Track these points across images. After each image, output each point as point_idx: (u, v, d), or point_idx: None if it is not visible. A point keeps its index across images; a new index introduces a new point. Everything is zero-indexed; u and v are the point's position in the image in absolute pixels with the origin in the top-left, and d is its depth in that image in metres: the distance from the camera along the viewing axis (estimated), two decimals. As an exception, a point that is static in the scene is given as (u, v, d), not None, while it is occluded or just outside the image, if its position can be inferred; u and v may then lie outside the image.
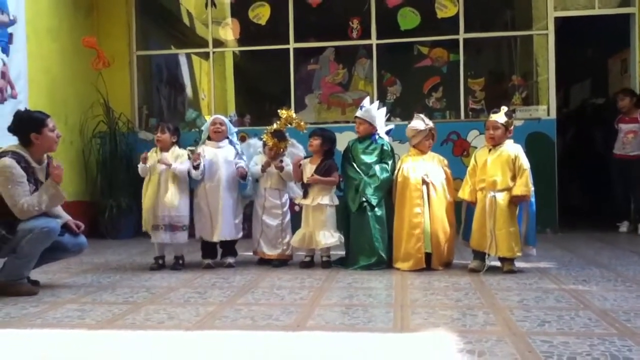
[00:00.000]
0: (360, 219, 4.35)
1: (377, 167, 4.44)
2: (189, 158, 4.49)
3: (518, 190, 4.00)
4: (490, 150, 4.20)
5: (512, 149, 4.14)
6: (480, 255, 4.15)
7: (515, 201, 4.03)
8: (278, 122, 4.55)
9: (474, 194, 4.19)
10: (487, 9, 7.77)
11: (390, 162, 4.49)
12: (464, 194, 4.24)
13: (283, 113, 4.54)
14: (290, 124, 4.54)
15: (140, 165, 4.46)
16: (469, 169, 4.31)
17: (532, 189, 4.07)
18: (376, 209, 4.35)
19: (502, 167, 4.08)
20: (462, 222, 4.33)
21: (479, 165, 4.21)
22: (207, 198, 4.47)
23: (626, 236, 6.20)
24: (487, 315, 2.91)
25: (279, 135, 4.50)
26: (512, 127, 4.22)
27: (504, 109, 4.27)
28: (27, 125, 3.62)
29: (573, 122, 8.64)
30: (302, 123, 4.60)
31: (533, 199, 4.11)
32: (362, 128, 4.54)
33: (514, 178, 4.07)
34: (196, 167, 4.40)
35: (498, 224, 4.01)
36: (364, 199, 4.34)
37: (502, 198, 4.03)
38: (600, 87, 8.52)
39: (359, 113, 4.57)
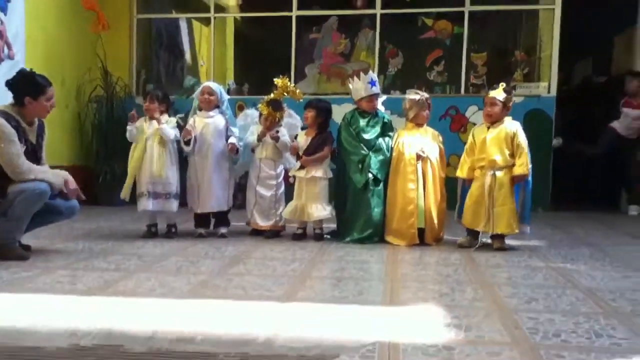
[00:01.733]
0: (361, 194, 4.33)
1: (381, 142, 4.40)
2: (178, 126, 4.45)
3: (519, 170, 4.00)
4: (488, 127, 4.16)
5: (511, 126, 4.11)
6: (472, 233, 4.17)
7: (515, 180, 4.03)
8: (274, 92, 4.51)
9: (472, 172, 4.18)
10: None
11: (392, 136, 4.46)
12: (462, 172, 4.22)
13: (278, 82, 4.49)
14: (287, 94, 4.50)
15: (129, 127, 4.40)
16: (466, 147, 4.28)
17: (530, 167, 4.06)
18: (379, 184, 4.34)
19: (500, 146, 4.06)
20: (458, 201, 4.33)
21: (477, 143, 4.18)
22: (196, 169, 4.46)
23: (616, 217, 6.22)
24: (476, 291, 2.94)
25: (275, 105, 4.46)
26: (510, 104, 4.18)
27: (503, 85, 4.22)
28: (26, 87, 3.58)
29: (574, 99, 8.57)
30: (297, 92, 4.56)
31: (530, 178, 4.10)
32: (376, 103, 4.49)
33: (512, 155, 4.05)
34: (187, 143, 4.37)
35: (498, 201, 4.01)
36: (371, 175, 4.32)
37: (502, 175, 4.03)
38: (603, 65, 8.42)
39: (378, 90, 4.49)
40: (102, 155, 6.65)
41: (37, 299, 2.72)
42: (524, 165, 4.00)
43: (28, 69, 3.81)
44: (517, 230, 4.07)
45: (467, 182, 4.21)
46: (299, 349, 2.08)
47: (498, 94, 4.15)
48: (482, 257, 3.85)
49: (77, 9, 6.53)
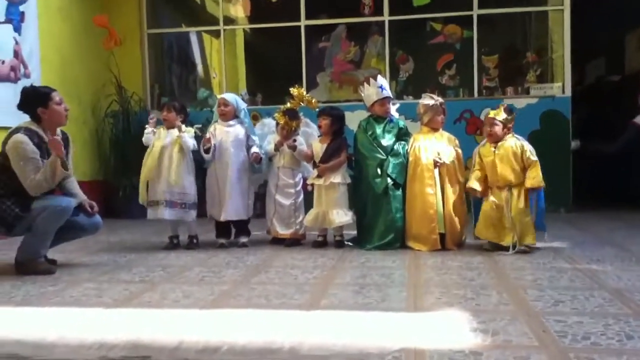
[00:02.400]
0: (381, 199, 4.33)
1: (399, 146, 4.40)
2: (196, 136, 4.49)
3: (531, 183, 4.01)
4: (494, 148, 4.16)
5: (516, 142, 4.12)
6: (493, 245, 4.16)
7: (530, 192, 4.03)
8: (291, 101, 4.53)
9: (482, 184, 4.18)
10: (502, -15, 7.63)
11: (408, 140, 4.46)
12: (471, 184, 4.22)
13: (294, 91, 4.51)
14: (303, 103, 4.52)
15: (147, 130, 4.44)
16: (475, 165, 4.27)
17: (542, 182, 4.04)
18: (399, 188, 4.33)
19: (510, 164, 4.09)
20: (473, 215, 4.34)
21: (488, 165, 4.19)
22: (216, 177, 4.49)
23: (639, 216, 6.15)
24: (501, 295, 2.91)
25: (291, 114, 4.48)
26: (511, 125, 4.18)
27: (504, 105, 4.25)
28: (33, 100, 3.64)
29: (588, 98, 8.52)
30: (313, 101, 4.58)
31: (542, 192, 4.07)
32: (388, 107, 4.50)
33: (523, 169, 4.07)
34: (206, 151, 4.40)
35: (518, 215, 4.02)
36: (390, 180, 4.31)
37: (517, 192, 4.06)
38: (616, 64, 8.37)
39: (388, 93, 4.51)
40: (121, 169, 6.72)
41: (64, 312, 2.74)
42: (536, 177, 4.01)
43: (28, 86, 3.89)
44: (534, 242, 4.06)
45: (480, 194, 4.21)
46: (324, 357, 2.07)
47: (497, 114, 4.16)
48: (506, 260, 3.82)
49: (89, 27, 6.62)
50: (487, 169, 4.19)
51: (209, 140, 4.41)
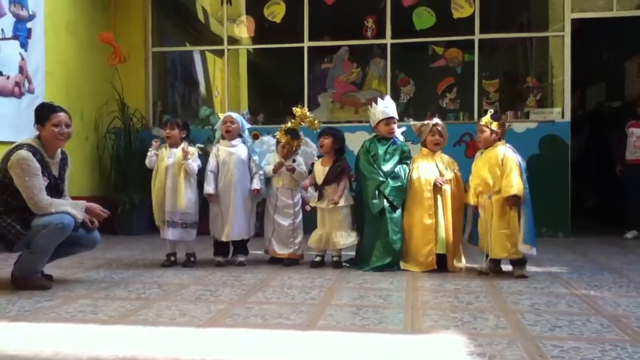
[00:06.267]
0: (378, 221, 4.33)
1: (400, 169, 4.42)
2: (199, 156, 4.52)
3: (506, 191, 3.95)
4: (482, 153, 4.22)
5: (500, 149, 4.13)
6: (494, 260, 4.15)
7: (509, 203, 3.98)
8: (292, 121, 4.56)
9: (476, 198, 4.20)
10: (503, 10, 7.74)
11: (409, 163, 4.48)
12: (469, 199, 4.26)
13: (297, 111, 4.55)
14: (304, 123, 4.55)
15: (149, 153, 4.49)
16: (471, 175, 4.30)
17: (525, 187, 3.97)
18: (397, 211, 4.34)
19: (492, 169, 4.08)
20: (468, 224, 4.33)
21: (475, 169, 4.24)
22: (219, 197, 4.50)
23: (638, 242, 6.14)
24: (498, 319, 2.90)
25: (293, 133, 4.51)
26: (500, 130, 4.18)
27: (491, 111, 4.29)
28: (35, 116, 3.70)
29: (588, 124, 8.57)
30: (315, 122, 4.61)
31: (529, 197, 4.02)
32: (395, 127, 4.53)
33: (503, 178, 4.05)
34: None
35: (493, 225, 4.03)
36: (387, 202, 4.32)
37: (496, 199, 4.04)
38: (616, 90, 8.44)
39: (393, 114, 4.52)
40: (121, 186, 6.74)
41: (60, 328, 2.73)
42: (512, 187, 3.93)
43: (47, 102, 3.92)
44: (515, 255, 4.02)
45: (476, 208, 4.22)
46: (323, 378, 2.06)
47: (486, 121, 4.20)
48: (504, 284, 3.81)
49: (95, 44, 6.69)
50: (474, 173, 4.22)
51: (211, 197, 4.46)
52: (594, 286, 3.76)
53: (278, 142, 4.58)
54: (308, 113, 4.59)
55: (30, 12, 5.66)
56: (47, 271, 3.81)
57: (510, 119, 6.50)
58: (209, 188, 4.45)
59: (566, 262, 4.72)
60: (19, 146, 3.58)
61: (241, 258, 4.55)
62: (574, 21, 6.75)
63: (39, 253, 3.55)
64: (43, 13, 5.84)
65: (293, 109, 4.61)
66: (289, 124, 4.55)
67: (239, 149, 4.56)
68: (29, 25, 5.63)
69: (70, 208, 3.59)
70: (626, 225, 6.48)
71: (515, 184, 3.93)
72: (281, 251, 4.55)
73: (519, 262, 4.08)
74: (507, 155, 4.06)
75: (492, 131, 4.16)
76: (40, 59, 5.80)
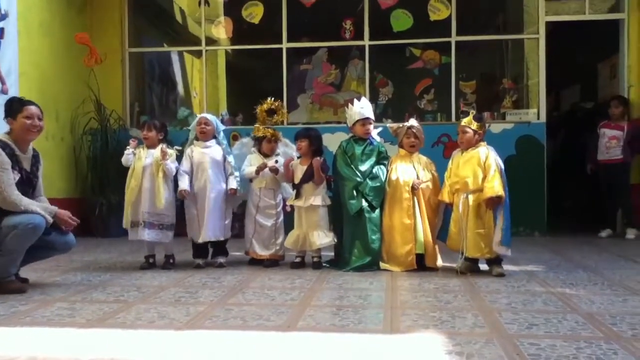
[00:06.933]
0: (357, 221, 4.35)
1: (378, 169, 4.44)
2: (176, 157, 4.49)
3: (488, 193, 4.01)
4: (463, 152, 4.27)
5: (483, 150, 4.18)
6: (472, 259, 4.19)
7: (489, 204, 4.04)
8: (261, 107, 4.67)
9: (452, 196, 4.25)
10: (480, 13, 7.84)
11: (387, 164, 4.51)
12: (443, 196, 4.30)
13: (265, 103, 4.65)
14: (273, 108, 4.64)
15: (127, 151, 4.43)
16: (446, 172, 4.36)
17: (504, 190, 4.04)
18: (375, 211, 4.36)
19: (472, 169, 4.13)
20: (439, 223, 4.39)
21: (453, 167, 4.28)
22: (195, 199, 4.47)
23: (613, 240, 6.27)
24: (476, 318, 2.94)
25: (270, 112, 4.59)
26: (482, 131, 4.24)
27: (473, 112, 4.34)
28: (6, 109, 3.64)
29: (563, 125, 8.72)
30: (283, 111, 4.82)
31: (507, 200, 4.09)
32: (371, 128, 4.55)
33: (484, 178, 4.09)
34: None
35: (469, 225, 4.08)
36: (366, 202, 4.34)
37: (473, 199, 4.10)
38: (589, 91, 8.60)
39: (369, 114, 4.54)
40: (98, 187, 6.66)
41: (36, 332, 2.69)
42: (492, 188, 3.99)
43: (16, 97, 3.86)
44: (489, 255, 4.09)
45: (449, 206, 4.28)
46: (304, 379, 2.06)
47: (468, 122, 4.24)
48: (482, 283, 3.85)
49: (70, 44, 6.60)
50: (452, 172, 4.26)
51: (183, 194, 4.42)
52: (570, 284, 3.82)
53: (257, 140, 4.57)
54: (273, 101, 4.65)
55: (3, 12, 5.55)
56: (22, 274, 3.75)
57: (488, 120, 6.58)
58: (183, 185, 4.41)
59: (542, 261, 4.80)
60: None
61: (221, 259, 4.53)
62: (549, 24, 6.88)
63: (10, 254, 3.48)
64: (16, 12, 5.74)
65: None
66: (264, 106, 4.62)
67: (214, 150, 4.54)
68: (1, 24, 5.52)
69: (40, 209, 3.53)
70: (600, 225, 6.61)
71: (497, 185, 3.99)
72: (262, 252, 4.54)
73: (495, 261, 4.15)
74: (489, 157, 4.11)
75: (474, 132, 4.21)
76: (13, 59, 5.69)
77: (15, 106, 3.64)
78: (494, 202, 4.02)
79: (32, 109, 3.66)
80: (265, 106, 4.64)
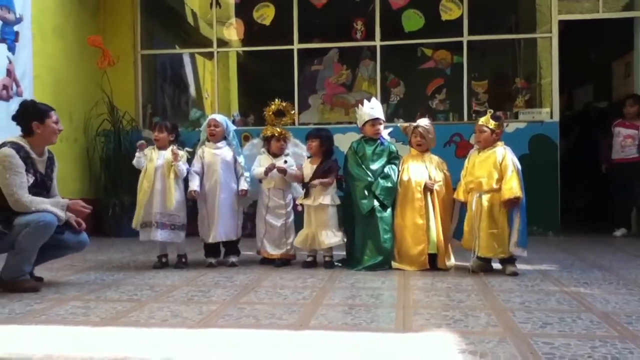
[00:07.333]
0: (368, 221, 4.34)
1: (389, 169, 4.43)
2: (187, 159, 4.51)
3: (506, 194, 3.98)
4: (479, 152, 4.25)
5: (500, 151, 4.15)
6: (484, 258, 4.17)
7: (507, 205, 4.01)
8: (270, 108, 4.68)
9: (467, 195, 4.23)
10: (492, 12, 7.78)
11: (398, 164, 4.50)
12: (459, 194, 4.29)
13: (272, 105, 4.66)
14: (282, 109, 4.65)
15: (137, 154, 4.46)
16: (462, 170, 4.34)
17: (522, 192, 4.01)
18: (387, 210, 4.35)
19: (488, 169, 4.11)
20: (455, 222, 4.37)
21: (469, 166, 4.26)
22: (205, 199, 4.49)
23: (628, 240, 6.20)
24: (489, 317, 2.92)
25: (278, 113, 4.60)
26: (499, 130, 4.22)
27: (491, 111, 4.31)
28: (31, 114, 3.65)
29: (576, 124, 8.65)
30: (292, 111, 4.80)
31: (524, 201, 4.06)
32: (381, 128, 4.54)
33: (500, 179, 4.07)
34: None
35: (482, 225, 4.05)
36: (377, 201, 4.33)
37: (486, 199, 4.07)
38: (603, 91, 8.52)
39: (379, 115, 4.54)
40: (111, 188, 6.71)
41: (50, 330, 2.71)
42: (511, 189, 3.97)
43: (28, 100, 3.89)
44: (502, 255, 4.07)
45: (465, 205, 4.26)
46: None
47: (486, 121, 4.21)
48: (495, 282, 3.83)
49: (83, 47, 6.65)
50: (468, 171, 4.24)
51: (192, 195, 4.43)
52: (584, 283, 3.79)
53: (266, 140, 4.58)
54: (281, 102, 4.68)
55: (18, 15, 5.61)
56: (37, 273, 3.79)
57: (505, 120, 6.55)
58: (193, 185, 4.43)
59: (556, 260, 4.76)
60: (2, 144, 3.56)
61: (233, 259, 4.55)
62: (561, 23, 6.81)
63: (23, 252, 3.51)
64: (30, 16, 5.80)
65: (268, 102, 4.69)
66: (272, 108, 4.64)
67: (224, 151, 4.56)
68: (16, 28, 5.58)
69: (51, 206, 3.56)
70: (615, 224, 6.54)
71: (515, 186, 3.97)
72: (273, 251, 4.55)
73: (508, 260, 4.12)
74: (507, 158, 4.09)
75: (492, 131, 4.18)
76: (27, 62, 5.75)
77: (41, 111, 3.66)
78: (512, 203, 4.00)
79: (56, 114, 3.73)
80: (273, 107, 4.64)
